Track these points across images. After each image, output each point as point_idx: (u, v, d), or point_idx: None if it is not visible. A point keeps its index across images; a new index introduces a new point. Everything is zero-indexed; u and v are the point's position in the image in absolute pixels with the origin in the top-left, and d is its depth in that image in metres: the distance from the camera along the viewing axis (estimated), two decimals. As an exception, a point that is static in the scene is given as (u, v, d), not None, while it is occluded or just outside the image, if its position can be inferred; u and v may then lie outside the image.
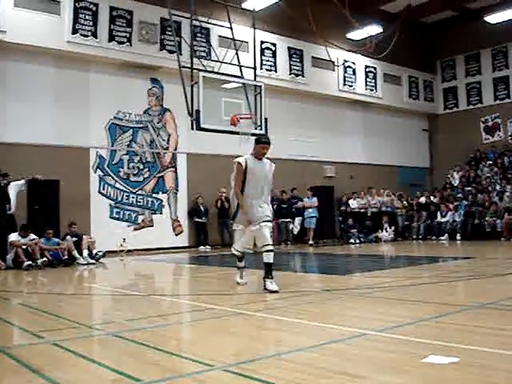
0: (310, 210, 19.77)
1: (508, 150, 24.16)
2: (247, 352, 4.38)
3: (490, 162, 23.86)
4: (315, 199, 19.86)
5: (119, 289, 9.20)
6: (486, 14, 22.45)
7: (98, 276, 12.04)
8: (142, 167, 18.05)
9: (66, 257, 13.44)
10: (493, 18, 22.39)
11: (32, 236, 13.12)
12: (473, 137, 25.47)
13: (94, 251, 14.18)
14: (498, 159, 23.80)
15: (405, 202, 22.39)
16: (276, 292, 7.16)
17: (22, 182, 13.92)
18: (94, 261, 13.93)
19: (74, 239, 13.87)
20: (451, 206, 20.98)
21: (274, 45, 20.99)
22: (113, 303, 7.89)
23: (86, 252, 13.89)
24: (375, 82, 24.52)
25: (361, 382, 3.41)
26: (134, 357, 4.27)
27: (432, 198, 22.28)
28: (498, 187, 21.53)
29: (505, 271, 9.60)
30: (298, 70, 21.61)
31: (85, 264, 13.54)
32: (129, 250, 16.95)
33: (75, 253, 13.63)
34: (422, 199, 22.37)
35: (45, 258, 12.92)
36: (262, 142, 7.74)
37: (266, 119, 13.99)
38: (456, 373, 3.53)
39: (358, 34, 21.98)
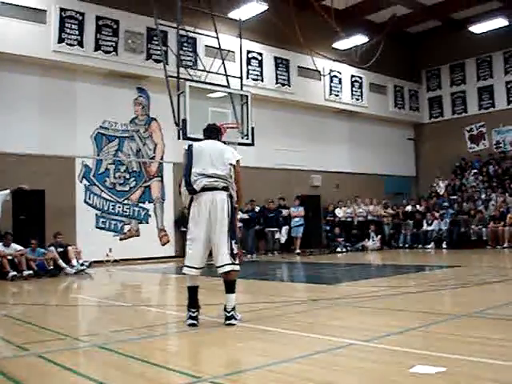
0: (297, 219, 19.77)
1: (493, 159, 24.34)
2: (234, 363, 4.36)
3: (476, 171, 24.00)
4: (302, 208, 19.87)
5: (105, 299, 9.14)
6: (470, 24, 22.64)
7: (83, 286, 11.96)
8: (128, 177, 17.98)
9: (51, 267, 13.33)
10: (477, 28, 22.58)
11: (18, 247, 13.02)
12: (458, 146, 25.63)
13: (80, 261, 14.06)
14: (483, 168, 23.95)
15: (391, 211, 22.45)
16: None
17: (7, 191, 13.79)
18: (83, 267, 13.81)
19: (60, 249, 13.76)
20: (437, 214, 21.07)
21: (261, 54, 21.03)
22: (99, 314, 7.84)
23: (75, 261, 13.78)
24: (361, 92, 24.63)
25: (348, 392, 3.40)
26: (120, 369, 4.25)
27: (418, 206, 22.37)
28: (483, 196, 21.65)
29: (491, 279, 9.65)
30: (284, 80, 21.67)
31: (73, 273, 13.40)
32: (115, 260, 16.86)
33: (60, 262, 13.51)
34: (408, 208, 22.46)
35: (31, 271, 12.80)
36: None
37: (252, 128, 14.00)
38: (443, 383, 3.54)
39: (343, 44, 22.10)
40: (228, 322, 5.77)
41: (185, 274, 6.01)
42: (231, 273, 5.82)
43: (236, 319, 5.80)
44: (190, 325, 5.81)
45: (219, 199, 5.83)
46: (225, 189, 5.90)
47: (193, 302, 5.92)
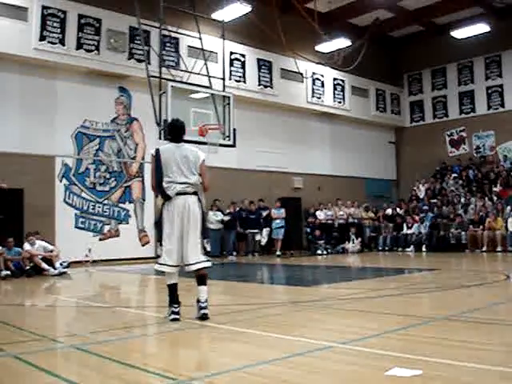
0: (278, 221, 19.79)
1: (473, 164, 24.55)
2: (211, 365, 4.35)
3: (455, 175, 24.18)
4: (283, 210, 19.89)
5: (83, 300, 9.07)
6: (452, 29, 22.83)
7: (61, 287, 11.85)
8: (108, 176, 17.87)
9: (27, 267, 13.19)
10: (459, 33, 22.77)
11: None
12: (438, 150, 25.82)
13: (59, 261, 13.91)
14: (463, 172, 24.14)
15: (371, 214, 22.56)
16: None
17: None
18: (65, 270, 13.68)
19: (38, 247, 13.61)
20: (417, 217, 21.20)
21: (243, 56, 21.03)
22: (76, 315, 7.78)
23: (58, 263, 13.64)
24: (343, 95, 24.72)
25: (325, 395, 3.40)
26: (97, 370, 4.21)
27: (398, 209, 22.51)
28: (462, 200, 21.82)
29: (469, 283, 9.72)
30: (266, 82, 21.68)
31: (56, 274, 13.27)
32: (94, 261, 16.74)
33: (44, 265, 13.33)
34: (389, 211, 22.59)
35: (8, 272, 12.66)
36: None
37: (234, 130, 14.00)
38: (419, 386, 3.55)
39: (326, 47, 22.17)
40: (203, 311, 6.04)
41: (162, 271, 6.26)
42: (203, 269, 6.19)
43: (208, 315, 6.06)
44: (174, 319, 6.05)
45: (191, 202, 6.17)
46: (195, 193, 6.25)
47: (174, 298, 6.18)
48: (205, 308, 6.06)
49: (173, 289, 6.20)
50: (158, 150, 6.24)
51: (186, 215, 6.11)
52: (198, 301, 6.11)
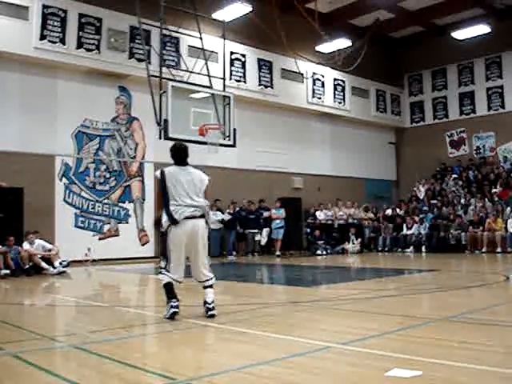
0: (278, 221, 19.79)
1: (473, 165, 24.55)
2: (210, 365, 4.34)
3: (455, 176, 24.17)
4: (283, 210, 19.88)
5: (83, 299, 9.07)
6: (453, 30, 22.81)
7: (61, 286, 11.85)
8: (108, 176, 17.86)
9: (27, 266, 13.17)
10: (459, 34, 22.75)
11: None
12: (439, 151, 25.82)
13: (59, 260, 13.89)
14: (463, 173, 24.14)
15: (371, 214, 22.55)
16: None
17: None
18: (65, 269, 13.66)
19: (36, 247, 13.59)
20: (417, 218, 21.20)
21: (244, 56, 21.02)
22: (76, 314, 7.77)
23: (57, 262, 13.61)
24: (343, 95, 24.71)
25: (324, 396, 3.39)
26: (96, 370, 4.21)
27: (398, 210, 22.50)
28: (462, 201, 21.81)
29: (469, 284, 9.71)
30: (267, 82, 21.67)
31: (55, 274, 13.25)
32: (94, 260, 16.74)
33: (43, 264, 13.32)
34: (388, 211, 22.58)
35: (8, 271, 12.64)
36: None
37: (234, 130, 13.98)
38: (419, 387, 3.54)
39: (327, 47, 22.15)
40: (210, 312, 6.21)
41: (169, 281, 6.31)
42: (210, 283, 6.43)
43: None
44: (174, 313, 6.14)
45: (200, 226, 6.29)
46: (202, 216, 6.34)
47: (171, 294, 6.26)
48: (212, 309, 6.22)
49: (169, 287, 6.29)
50: (162, 172, 6.33)
51: (195, 239, 6.24)
52: (206, 302, 6.28)
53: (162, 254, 6.86)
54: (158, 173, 6.38)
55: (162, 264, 6.51)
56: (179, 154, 6.48)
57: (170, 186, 6.24)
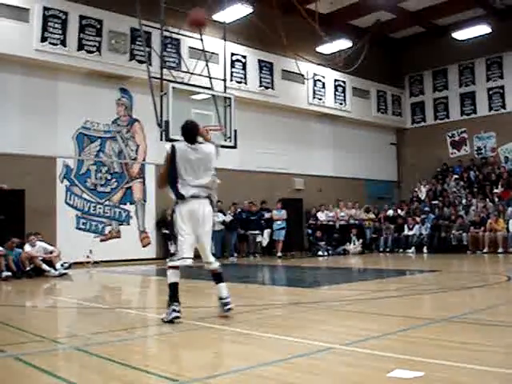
0: (279, 222, 19.79)
1: (474, 165, 24.53)
2: (212, 366, 4.34)
3: (457, 177, 24.17)
4: (284, 211, 19.89)
5: (84, 301, 9.07)
6: (453, 31, 22.83)
7: (63, 288, 11.84)
8: (109, 177, 17.87)
9: (27, 268, 13.17)
10: (460, 35, 22.77)
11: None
12: (440, 151, 25.82)
13: (60, 262, 13.88)
14: (465, 173, 24.14)
15: (372, 215, 22.55)
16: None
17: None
18: (66, 270, 13.65)
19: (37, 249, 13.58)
20: (418, 219, 21.18)
21: (245, 57, 21.03)
22: (77, 316, 7.77)
23: (58, 264, 13.61)
24: (344, 96, 24.71)
25: (326, 397, 3.39)
26: (98, 371, 4.21)
27: (399, 211, 22.49)
28: (464, 201, 21.80)
29: (470, 284, 9.71)
30: (267, 83, 21.68)
31: (57, 276, 13.24)
32: (95, 262, 16.74)
33: (44, 266, 13.31)
34: (390, 212, 22.57)
35: (9, 273, 12.64)
36: None
37: (235, 131, 13.97)
38: (421, 387, 3.54)
39: (327, 48, 22.16)
40: (227, 307, 6.34)
41: (179, 266, 6.28)
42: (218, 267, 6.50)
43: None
44: (176, 317, 6.07)
45: (203, 205, 6.31)
46: (207, 197, 6.37)
47: (175, 297, 6.20)
48: (229, 303, 6.33)
49: (174, 288, 6.25)
50: (173, 147, 6.32)
51: (200, 220, 6.27)
52: (221, 298, 6.37)
53: (172, 237, 6.97)
54: (168, 147, 6.36)
55: (173, 249, 6.57)
56: (188, 132, 6.47)
57: (178, 163, 6.25)
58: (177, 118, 12.76)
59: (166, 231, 18.30)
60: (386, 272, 13.86)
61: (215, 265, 6.44)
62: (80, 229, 17.11)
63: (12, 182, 15.02)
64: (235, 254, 18.97)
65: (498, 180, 22.30)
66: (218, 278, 6.46)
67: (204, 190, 6.33)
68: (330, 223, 21.61)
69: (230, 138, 13.88)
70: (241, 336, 5.42)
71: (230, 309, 6.33)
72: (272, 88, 21.79)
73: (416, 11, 23.02)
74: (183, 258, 6.24)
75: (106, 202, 17.73)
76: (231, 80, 19.59)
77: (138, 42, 17.69)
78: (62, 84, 17.04)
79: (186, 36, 16.32)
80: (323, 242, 20.62)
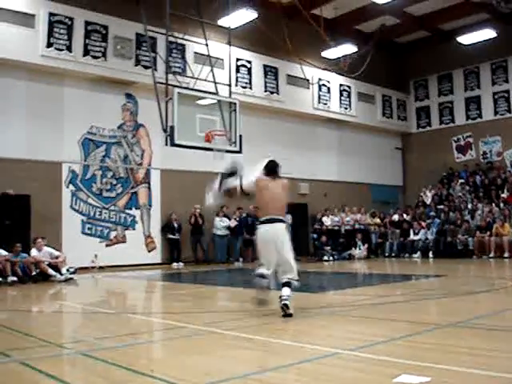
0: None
1: (480, 169, 24.48)
2: (217, 372, 4.33)
3: (462, 181, 24.11)
4: (289, 216, 19.85)
5: (90, 306, 9.07)
6: (458, 35, 22.81)
7: (68, 293, 11.85)
8: (115, 183, 17.89)
9: (33, 273, 13.19)
10: (465, 39, 22.75)
11: (2, 252, 12.89)
12: (445, 156, 25.76)
13: (66, 267, 13.88)
14: (470, 178, 24.08)
15: (378, 220, 22.51)
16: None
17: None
18: (72, 275, 13.66)
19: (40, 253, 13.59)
20: (424, 223, 21.14)
21: (250, 62, 21.04)
22: (83, 321, 7.77)
23: (64, 269, 13.62)
24: (349, 101, 24.70)
25: (332, 402, 3.38)
26: (103, 376, 4.20)
27: (405, 215, 22.44)
28: (469, 206, 21.74)
29: (476, 289, 9.67)
30: (272, 88, 21.69)
31: (62, 280, 13.25)
32: (101, 267, 16.75)
33: (50, 271, 13.31)
34: (395, 217, 22.52)
35: (15, 278, 12.66)
36: None
37: (240, 136, 14.00)
38: (427, 393, 3.53)
39: (332, 53, 22.14)
40: (283, 302, 6.71)
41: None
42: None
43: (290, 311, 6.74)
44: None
45: (280, 229, 7.16)
46: (281, 220, 7.27)
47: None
48: (285, 300, 6.71)
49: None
50: (258, 180, 7.63)
51: (278, 240, 7.01)
52: (281, 296, 6.78)
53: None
54: (254, 179, 7.75)
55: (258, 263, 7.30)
56: (272, 169, 7.83)
57: (261, 192, 7.45)
58: (182, 123, 12.82)
59: (172, 236, 18.32)
60: (391, 277, 13.83)
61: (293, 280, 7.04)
62: (85, 234, 17.12)
63: (18, 187, 15.06)
64: (240, 259, 18.96)
65: (503, 184, 22.24)
66: (286, 284, 6.92)
67: (279, 215, 7.36)
68: (336, 228, 21.59)
69: (235, 142, 13.92)
70: (246, 341, 5.42)
71: (285, 304, 6.67)
72: (277, 93, 21.80)
73: (421, 16, 23.02)
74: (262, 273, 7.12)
75: (112, 207, 17.74)
76: (236, 85, 19.60)
77: (143, 48, 17.71)
78: (68, 89, 17.08)
79: (191, 41, 16.38)
80: (328, 247, 20.58)
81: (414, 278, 12.97)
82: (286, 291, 6.79)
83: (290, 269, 6.99)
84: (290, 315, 6.60)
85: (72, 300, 10.79)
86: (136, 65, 17.89)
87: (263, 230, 7.09)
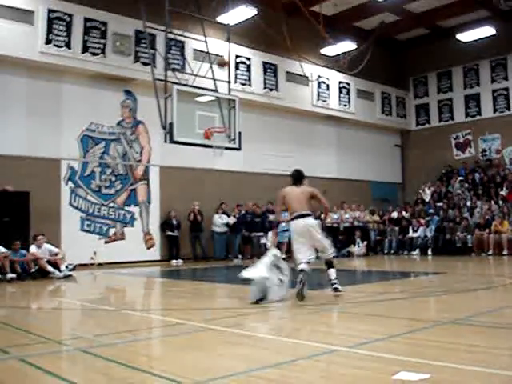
0: (284, 224, 19.70)
1: (479, 167, 24.48)
2: (217, 368, 4.33)
3: (461, 178, 24.12)
4: (288, 213, 19.82)
5: (89, 303, 9.07)
6: (458, 33, 22.78)
7: (67, 290, 11.85)
8: (114, 179, 17.88)
9: (32, 270, 13.19)
10: (464, 37, 22.73)
11: (1, 249, 12.89)
12: (444, 153, 25.75)
13: (65, 264, 13.89)
14: (469, 175, 24.08)
15: (377, 217, 22.51)
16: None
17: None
18: (71, 272, 13.66)
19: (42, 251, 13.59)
20: (423, 221, 21.15)
21: (249, 59, 21.02)
22: (82, 318, 7.77)
23: (63, 266, 13.62)
24: (348, 98, 24.68)
25: (331, 399, 3.38)
26: (102, 373, 4.20)
27: (404, 213, 22.44)
28: (468, 203, 21.75)
29: (475, 286, 9.68)
30: (272, 85, 21.67)
31: (61, 277, 13.25)
32: (100, 264, 16.74)
33: (49, 267, 13.32)
34: (394, 214, 22.53)
35: (14, 275, 12.66)
36: None
37: (239, 133, 13.98)
38: (426, 390, 3.53)
39: (332, 50, 22.13)
40: (334, 286, 8.22)
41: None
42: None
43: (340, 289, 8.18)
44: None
45: (310, 220, 8.44)
46: (309, 215, 8.51)
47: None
48: (335, 284, 8.21)
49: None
50: (281, 192, 8.95)
51: (311, 228, 8.31)
52: (330, 280, 8.25)
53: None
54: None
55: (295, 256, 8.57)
56: (297, 177, 9.14)
57: (288, 198, 8.80)
58: (181, 120, 12.80)
59: (171, 233, 18.32)
60: (390, 274, 13.84)
61: (330, 255, 8.40)
62: (84, 230, 17.11)
63: (17, 184, 15.03)
64: (239, 256, 18.96)
65: (502, 182, 22.25)
66: (329, 264, 8.34)
67: (305, 211, 8.59)
68: (335, 225, 21.58)
69: (234, 139, 13.89)
70: (245, 338, 5.42)
71: (336, 288, 8.09)
72: (276, 90, 21.78)
73: (420, 13, 22.98)
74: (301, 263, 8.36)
75: (111, 204, 17.74)
76: (235, 82, 19.59)
77: (142, 44, 17.69)
78: (67, 86, 17.06)
79: (190, 38, 16.36)
80: (328, 244, 20.54)
81: (412, 276, 12.98)
82: (332, 274, 8.20)
83: (325, 249, 8.37)
84: (340, 293, 8.13)
85: (71, 297, 10.78)
86: (135, 61, 17.86)
87: (296, 223, 8.34)
